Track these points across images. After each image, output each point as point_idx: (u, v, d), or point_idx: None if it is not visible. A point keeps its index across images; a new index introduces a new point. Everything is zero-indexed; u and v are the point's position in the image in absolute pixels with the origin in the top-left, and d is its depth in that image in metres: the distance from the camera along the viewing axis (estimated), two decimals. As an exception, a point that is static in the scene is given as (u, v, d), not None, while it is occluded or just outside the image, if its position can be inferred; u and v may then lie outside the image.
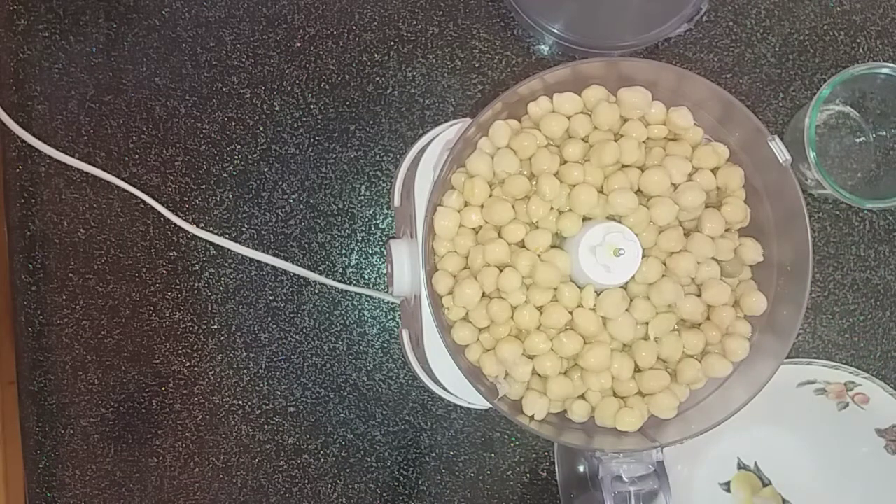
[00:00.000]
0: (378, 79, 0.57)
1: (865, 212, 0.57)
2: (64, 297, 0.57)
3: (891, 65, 0.50)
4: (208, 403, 0.57)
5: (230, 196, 0.57)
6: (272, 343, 0.57)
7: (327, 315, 0.57)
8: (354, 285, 0.57)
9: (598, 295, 0.44)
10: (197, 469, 0.57)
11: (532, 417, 0.45)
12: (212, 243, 0.56)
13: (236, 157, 0.57)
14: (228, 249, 0.56)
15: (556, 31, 0.53)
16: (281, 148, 0.57)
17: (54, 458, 0.57)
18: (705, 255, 0.45)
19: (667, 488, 0.48)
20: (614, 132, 0.46)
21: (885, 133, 0.55)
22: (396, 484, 0.57)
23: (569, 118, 0.46)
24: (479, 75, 0.57)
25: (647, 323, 0.46)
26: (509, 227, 0.44)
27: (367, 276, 0.57)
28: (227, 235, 0.56)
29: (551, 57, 0.57)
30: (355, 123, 0.57)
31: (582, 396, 0.45)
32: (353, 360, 0.57)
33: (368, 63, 0.57)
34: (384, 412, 0.57)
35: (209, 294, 0.57)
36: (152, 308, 0.57)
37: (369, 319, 0.57)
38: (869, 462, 0.55)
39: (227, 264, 0.57)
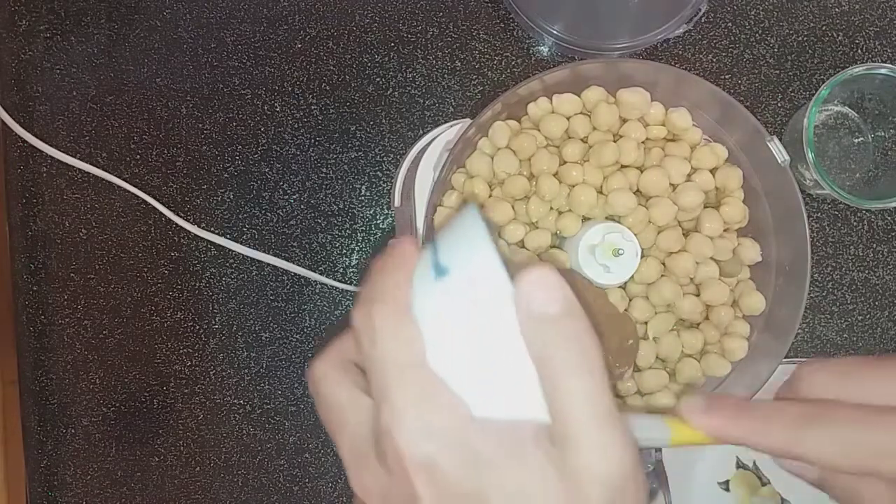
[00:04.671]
0: (378, 80, 0.57)
1: (864, 212, 0.57)
2: (65, 297, 0.57)
3: (889, 65, 0.50)
4: (209, 403, 0.57)
5: (231, 196, 0.57)
6: (273, 342, 0.57)
7: (328, 315, 0.57)
8: (355, 285, 0.57)
9: (598, 295, 0.44)
10: (198, 468, 0.57)
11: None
12: (213, 243, 0.56)
13: (237, 158, 0.57)
14: (230, 249, 0.56)
15: (555, 32, 0.53)
16: (282, 148, 0.57)
17: (56, 458, 0.57)
18: (704, 254, 0.46)
19: (666, 487, 0.48)
20: (613, 133, 0.47)
21: (883, 133, 0.55)
22: (397, 483, 0.58)
23: (568, 119, 0.46)
24: (479, 76, 0.57)
25: (645, 322, 0.46)
26: (509, 227, 0.44)
27: (367, 276, 0.57)
28: (228, 235, 0.56)
29: (551, 58, 0.57)
30: (356, 124, 0.57)
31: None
32: (354, 360, 0.57)
33: (369, 64, 0.57)
34: (384, 411, 0.57)
35: (210, 294, 0.57)
36: (154, 308, 0.57)
37: (370, 319, 0.57)
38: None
39: (228, 264, 0.57)
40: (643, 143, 0.47)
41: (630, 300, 0.46)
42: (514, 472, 0.23)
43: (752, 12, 0.57)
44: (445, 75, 0.57)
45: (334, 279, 0.57)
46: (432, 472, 0.23)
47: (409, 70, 0.57)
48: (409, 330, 0.24)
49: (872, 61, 0.57)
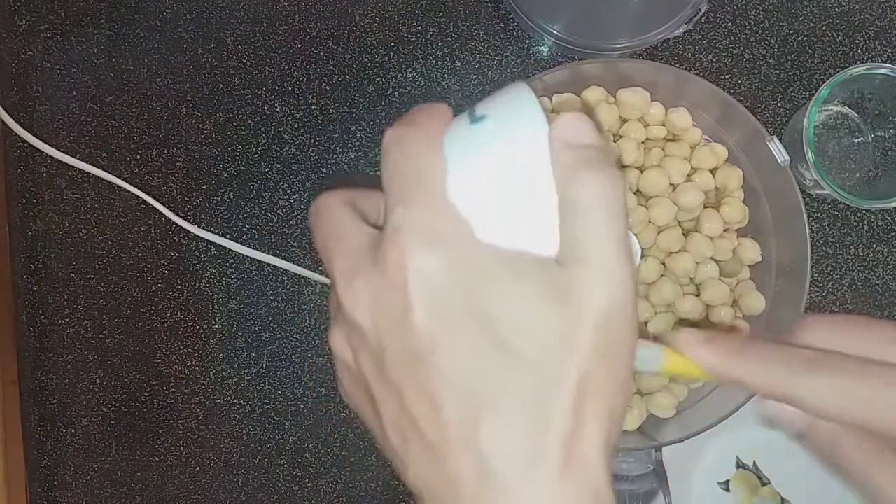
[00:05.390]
0: (378, 80, 0.57)
1: (864, 212, 0.57)
2: (65, 297, 0.57)
3: (889, 65, 0.50)
4: (209, 403, 0.57)
5: (231, 196, 0.57)
6: (273, 342, 0.57)
7: (328, 314, 0.57)
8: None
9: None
10: (198, 468, 0.57)
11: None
12: (213, 243, 0.56)
13: (237, 158, 0.57)
14: (230, 249, 0.56)
15: (555, 32, 0.53)
16: (282, 148, 0.57)
17: (56, 458, 0.57)
18: (704, 254, 0.46)
19: (665, 487, 0.48)
20: (613, 133, 0.47)
21: (883, 133, 0.55)
22: (396, 483, 0.58)
23: (568, 119, 0.46)
24: (479, 76, 0.57)
25: (645, 322, 0.46)
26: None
27: (367, 276, 0.57)
28: (228, 235, 0.56)
29: (551, 58, 0.57)
30: (356, 124, 0.57)
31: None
32: (354, 360, 0.57)
33: (369, 64, 0.57)
34: (384, 411, 0.57)
35: (210, 294, 0.57)
36: (153, 308, 0.57)
37: (370, 319, 0.57)
38: (867, 461, 0.55)
39: (228, 264, 0.57)
40: (643, 143, 0.47)
41: (630, 300, 0.46)
42: (512, 289, 0.23)
43: (752, 12, 0.57)
44: (445, 75, 0.57)
45: (334, 279, 0.56)
46: (429, 280, 0.23)
47: (409, 70, 0.57)
48: (435, 156, 0.24)
49: (872, 61, 0.57)
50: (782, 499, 0.57)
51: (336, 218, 0.26)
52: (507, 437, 0.22)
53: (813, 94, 0.51)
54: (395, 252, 0.23)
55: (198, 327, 0.57)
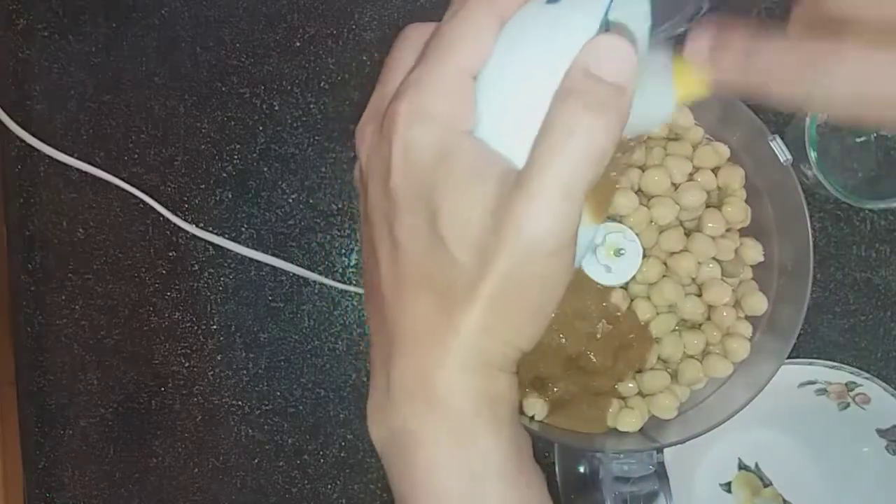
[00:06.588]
0: (377, 78, 0.56)
1: (866, 212, 0.57)
2: (63, 298, 0.57)
3: (892, 64, 0.50)
4: (207, 404, 0.57)
5: (230, 196, 0.57)
6: (272, 343, 0.57)
7: (327, 315, 0.57)
8: (354, 285, 0.57)
9: (599, 295, 0.44)
10: (196, 469, 0.57)
11: (532, 418, 0.45)
12: (211, 243, 0.56)
13: (236, 157, 0.57)
14: (228, 249, 0.56)
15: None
16: (280, 147, 0.57)
17: (53, 459, 0.57)
18: (706, 254, 0.45)
19: (667, 489, 0.48)
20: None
21: (885, 133, 0.55)
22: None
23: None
24: (479, 75, 0.56)
25: (647, 323, 0.45)
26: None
27: (366, 276, 0.57)
28: (226, 235, 0.56)
29: (551, 56, 0.57)
30: (355, 123, 0.56)
31: (582, 397, 0.45)
32: (353, 361, 0.57)
33: (368, 62, 0.57)
34: (384, 412, 0.57)
35: (208, 294, 0.57)
36: (151, 308, 0.57)
37: (369, 319, 0.57)
38: (870, 462, 0.55)
39: (226, 264, 0.57)
40: (644, 142, 0.46)
41: (632, 300, 0.45)
42: (465, 191, 0.23)
43: (755, 10, 0.57)
44: (445, 74, 0.56)
45: (333, 279, 0.56)
46: (410, 153, 0.24)
47: (409, 69, 0.56)
48: (482, 33, 0.24)
49: (875, 60, 0.56)
50: (784, 500, 0.56)
51: (404, 51, 0.27)
52: (421, 311, 0.24)
53: (815, 93, 0.50)
54: (390, 116, 0.24)
55: (196, 328, 0.57)
